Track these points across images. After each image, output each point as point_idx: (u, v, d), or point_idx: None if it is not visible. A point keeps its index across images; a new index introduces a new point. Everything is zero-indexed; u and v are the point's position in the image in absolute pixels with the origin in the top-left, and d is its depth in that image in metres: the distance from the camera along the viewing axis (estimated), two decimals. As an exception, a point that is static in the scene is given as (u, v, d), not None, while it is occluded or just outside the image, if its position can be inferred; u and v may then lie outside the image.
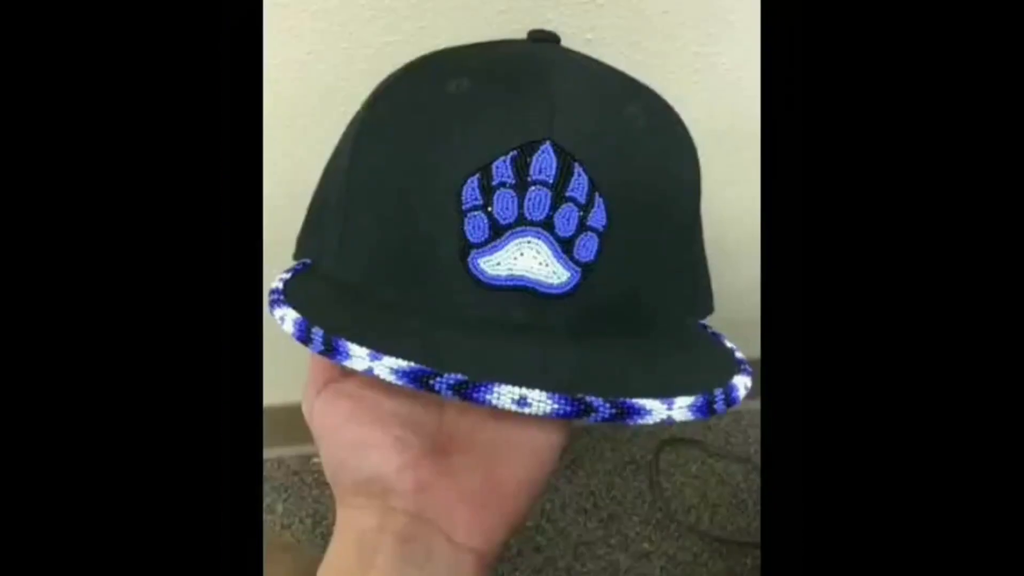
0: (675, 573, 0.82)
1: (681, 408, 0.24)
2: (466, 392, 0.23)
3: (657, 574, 0.82)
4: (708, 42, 0.51)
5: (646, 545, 0.84)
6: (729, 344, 0.31)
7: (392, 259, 0.28)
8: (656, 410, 0.24)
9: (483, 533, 0.27)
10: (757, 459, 0.89)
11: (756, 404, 0.94)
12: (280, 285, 0.29)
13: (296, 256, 0.33)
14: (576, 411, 0.23)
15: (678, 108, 0.31)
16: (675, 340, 0.30)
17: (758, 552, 0.83)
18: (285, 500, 0.86)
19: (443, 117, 0.28)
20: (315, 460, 0.90)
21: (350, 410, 0.28)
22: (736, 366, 0.29)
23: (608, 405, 0.23)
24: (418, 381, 0.23)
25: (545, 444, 0.28)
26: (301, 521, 0.85)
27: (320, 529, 0.85)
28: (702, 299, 0.33)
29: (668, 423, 0.24)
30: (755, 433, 0.92)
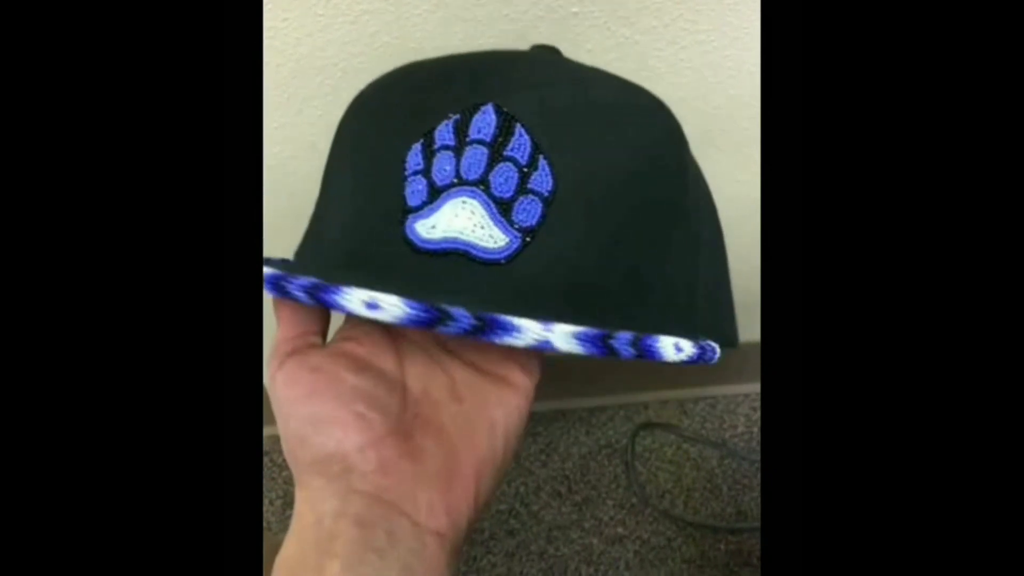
0: (649, 557, 0.82)
1: (563, 334, 0.23)
2: (317, 295, 0.23)
3: (631, 558, 0.82)
4: (697, 19, 0.50)
5: (620, 529, 0.84)
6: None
7: (347, 240, 0.28)
8: (529, 329, 0.22)
9: (447, 514, 0.26)
10: (732, 444, 0.89)
11: (733, 389, 0.93)
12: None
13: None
14: (431, 318, 0.22)
15: (663, 84, 0.30)
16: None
17: (732, 537, 0.83)
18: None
19: (402, 104, 0.28)
20: (286, 441, 0.88)
21: (312, 384, 0.27)
22: (692, 337, 0.27)
23: (469, 316, 0.22)
24: (274, 285, 0.23)
25: (510, 424, 0.28)
26: (271, 503, 0.84)
27: (290, 511, 0.83)
28: (693, 313, 0.31)
29: (545, 347, 0.23)
30: (731, 419, 0.92)
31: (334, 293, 0.22)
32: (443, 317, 0.22)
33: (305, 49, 0.48)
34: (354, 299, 0.22)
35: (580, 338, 0.23)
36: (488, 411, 0.28)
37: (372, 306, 0.22)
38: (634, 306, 0.28)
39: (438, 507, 0.26)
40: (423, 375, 0.29)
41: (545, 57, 0.32)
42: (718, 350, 0.27)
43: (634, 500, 0.85)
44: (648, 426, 0.90)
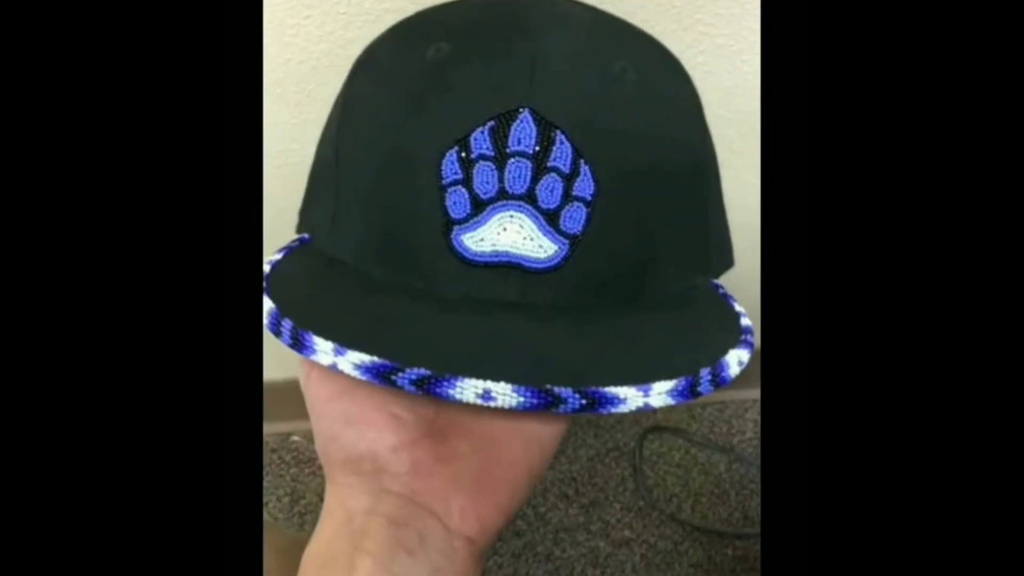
0: (655, 561, 0.82)
1: (660, 394, 0.23)
2: (429, 387, 0.22)
3: (637, 561, 0.82)
4: (715, 23, 0.50)
5: (627, 532, 0.84)
6: (737, 307, 0.30)
7: (379, 239, 0.27)
8: (631, 398, 0.23)
9: (478, 520, 0.26)
10: (740, 449, 0.89)
11: (741, 394, 0.93)
12: (268, 269, 0.28)
13: (298, 229, 0.32)
14: (544, 403, 0.22)
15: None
16: (671, 309, 0.28)
17: (738, 542, 0.83)
18: (263, 478, 0.85)
19: (421, 87, 0.27)
20: (294, 438, 0.88)
21: (346, 383, 0.26)
22: (738, 335, 0.28)
23: (577, 396, 0.22)
24: (381, 377, 0.22)
25: (545, 432, 0.27)
26: (279, 500, 0.84)
27: (298, 508, 0.83)
28: (717, 256, 0.31)
29: (647, 410, 0.23)
30: (739, 423, 0.92)
31: (448, 387, 0.22)
32: (555, 401, 0.22)
33: (326, 46, 0.48)
34: (468, 392, 0.22)
35: (674, 393, 0.24)
36: (527, 417, 0.27)
37: (487, 397, 0.22)
38: (675, 275, 0.29)
39: (470, 513, 0.26)
40: None
41: (545, 6, 0.30)
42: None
43: (641, 503, 0.85)
44: (656, 430, 0.90)
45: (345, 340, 0.23)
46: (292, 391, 0.61)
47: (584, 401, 0.23)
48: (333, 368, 0.23)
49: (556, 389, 0.22)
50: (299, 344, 0.24)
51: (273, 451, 0.88)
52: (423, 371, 0.22)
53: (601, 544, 0.83)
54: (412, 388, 0.22)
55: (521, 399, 0.22)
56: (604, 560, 0.82)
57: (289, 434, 0.89)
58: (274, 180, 0.56)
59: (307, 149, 0.57)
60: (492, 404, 0.22)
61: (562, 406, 0.22)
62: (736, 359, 0.26)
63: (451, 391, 0.22)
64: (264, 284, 0.27)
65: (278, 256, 0.30)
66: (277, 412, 0.85)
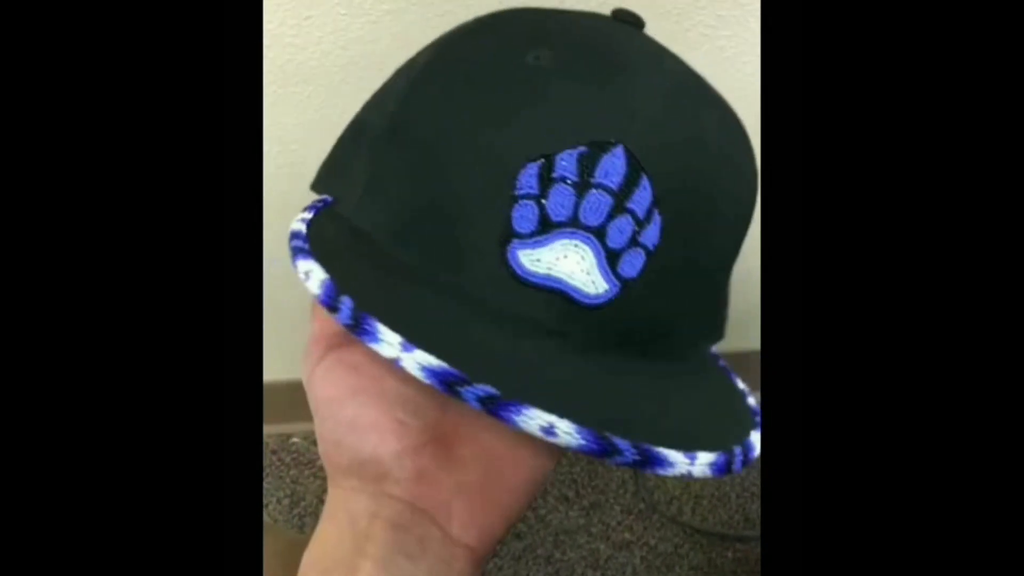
0: (655, 564, 0.82)
1: (702, 465, 0.24)
2: (494, 408, 0.22)
3: (637, 564, 0.82)
4: (718, 24, 0.50)
5: (627, 535, 0.83)
6: (740, 384, 0.31)
7: (421, 218, 0.26)
8: (679, 463, 0.23)
9: (479, 529, 0.25)
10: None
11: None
12: (303, 228, 0.27)
13: (316, 189, 0.30)
14: (602, 450, 0.22)
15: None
16: (695, 372, 0.29)
17: (739, 545, 0.83)
18: (263, 479, 0.85)
19: (517, 88, 0.26)
20: (294, 440, 0.88)
21: (352, 385, 0.26)
22: (751, 417, 0.28)
23: (634, 451, 0.22)
24: (446, 384, 0.22)
25: (551, 445, 0.27)
26: (279, 501, 0.84)
27: (297, 510, 0.83)
28: (720, 325, 0.31)
29: (687, 478, 0.24)
30: (740, 426, 0.91)
31: (514, 413, 0.22)
32: (612, 451, 0.22)
33: (327, 47, 0.48)
34: (533, 423, 0.22)
35: (714, 467, 0.24)
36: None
37: (550, 432, 0.22)
38: (691, 338, 0.30)
39: (471, 522, 0.25)
40: None
41: (638, 43, 0.29)
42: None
43: (642, 506, 0.85)
44: (657, 432, 0.90)
45: (413, 337, 0.22)
46: (292, 392, 0.61)
47: (639, 457, 0.22)
48: (396, 363, 0.22)
49: (615, 440, 0.22)
50: (359, 328, 0.23)
51: (273, 452, 0.87)
52: (491, 390, 0.22)
53: (601, 546, 0.83)
54: (477, 405, 0.22)
55: (583, 442, 0.22)
56: (604, 563, 0.82)
57: (289, 436, 0.89)
58: (274, 179, 0.56)
59: (307, 149, 0.57)
60: (552, 440, 0.22)
61: (617, 457, 0.22)
62: (757, 441, 0.26)
63: (516, 418, 0.22)
64: (302, 244, 0.26)
65: (308, 215, 0.28)
66: (277, 413, 0.85)
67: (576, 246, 0.25)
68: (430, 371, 0.22)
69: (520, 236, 0.25)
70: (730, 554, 0.83)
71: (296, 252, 0.26)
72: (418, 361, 0.22)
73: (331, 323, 0.27)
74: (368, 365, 0.26)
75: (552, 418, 0.22)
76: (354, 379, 0.26)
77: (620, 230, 0.25)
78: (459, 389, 0.22)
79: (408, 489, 0.25)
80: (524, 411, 0.21)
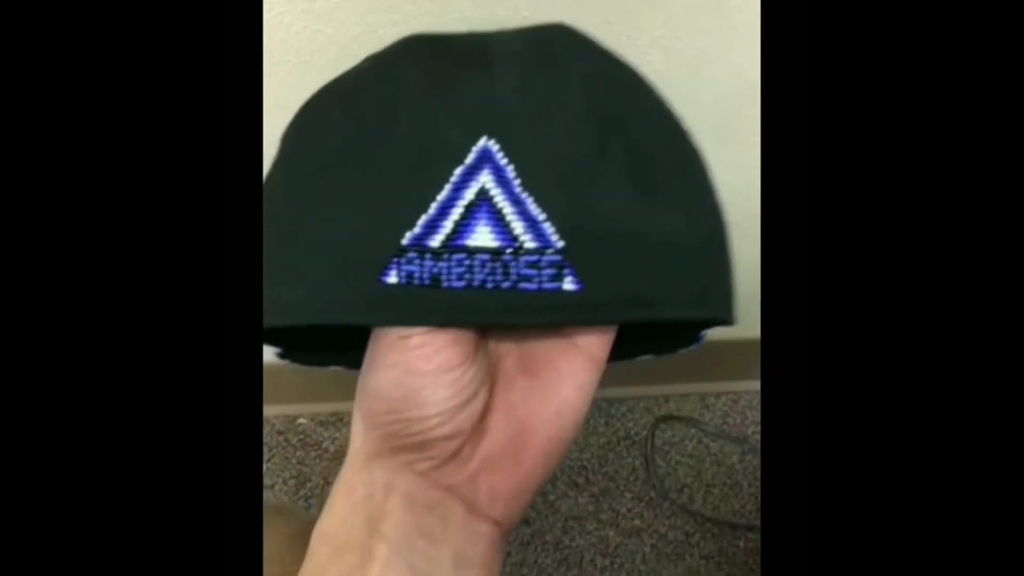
0: (666, 552, 0.81)
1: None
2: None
3: (647, 552, 0.81)
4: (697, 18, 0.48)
5: (637, 522, 0.82)
6: None
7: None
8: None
9: (506, 501, 0.25)
10: (753, 440, 0.87)
11: (755, 385, 0.91)
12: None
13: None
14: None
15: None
16: None
17: (751, 534, 0.82)
18: (269, 460, 0.84)
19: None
20: (300, 421, 0.87)
21: (449, 360, 0.24)
22: None
23: None
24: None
25: (576, 400, 0.27)
26: (285, 482, 0.83)
27: (304, 491, 0.82)
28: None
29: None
30: (753, 415, 0.90)
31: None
32: None
33: (328, 47, 0.47)
34: None
35: None
36: (561, 388, 0.26)
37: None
38: None
39: (499, 493, 0.25)
40: (497, 343, 0.28)
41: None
42: None
43: (652, 493, 0.84)
44: (668, 419, 0.89)
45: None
46: (298, 374, 0.59)
47: None
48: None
49: None
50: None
51: (279, 433, 0.86)
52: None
53: (611, 534, 0.81)
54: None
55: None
56: (614, 550, 0.80)
57: (296, 417, 0.88)
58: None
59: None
60: None
61: None
62: None
63: None
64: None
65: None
66: (284, 395, 0.84)
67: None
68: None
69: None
70: (742, 543, 0.81)
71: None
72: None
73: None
74: (464, 338, 0.25)
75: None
76: (451, 354, 0.25)
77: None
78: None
79: (436, 466, 0.25)
80: None
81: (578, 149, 0.25)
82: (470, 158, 0.24)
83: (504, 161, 0.24)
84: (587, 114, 0.26)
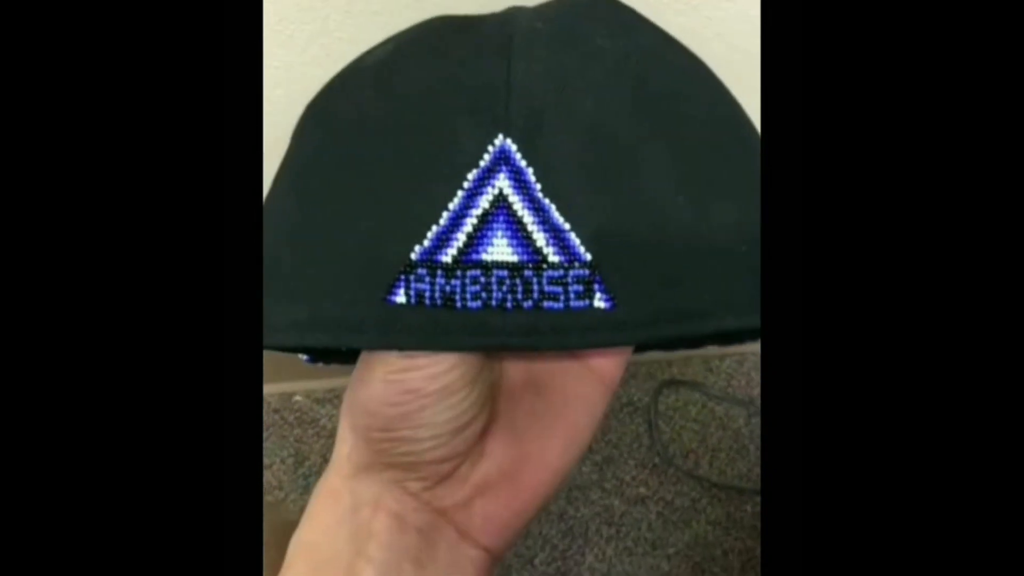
0: (672, 519, 0.80)
1: None
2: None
3: (653, 519, 0.80)
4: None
5: (642, 490, 0.81)
6: None
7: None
8: None
9: (499, 528, 0.24)
10: (760, 402, 0.86)
11: (759, 347, 0.90)
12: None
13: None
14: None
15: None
16: None
17: (759, 498, 0.80)
18: (267, 439, 0.83)
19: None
20: (297, 399, 0.86)
21: (454, 383, 0.23)
22: None
23: None
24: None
25: (584, 424, 0.25)
26: (283, 461, 0.82)
27: (302, 470, 0.81)
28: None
29: None
30: (758, 376, 0.88)
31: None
32: None
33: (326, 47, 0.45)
34: None
35: None
36: (568, 413, 0.25)
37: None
38: None
39: (493, 520, 0.24)
40: (503, 356, 0.26)
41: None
42: None
43: (657, 460, 0.83)
44: (672, 383, 0.87)
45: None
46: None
47: None
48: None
49: None
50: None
51: (276, 412, 0.85)
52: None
53: (616, 502, 0.80)
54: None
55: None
56: (619, 518, 0.79)
57: (292, 395, 0.86)
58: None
59: (290, 95, 0.53)
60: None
61: None
62: None
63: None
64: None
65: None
66: (280, 373, 0.83)
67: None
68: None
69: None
70: (749, 508, 0.80)
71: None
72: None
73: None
74: (470, 357, 0.23)
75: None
76: (455, 376, 0.23)
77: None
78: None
79: (428, 487, 0.24)
80: None
81: (609, 144, 0.22)
82: (485, 160, 0.21)
83: (523, 162, 0.21)
84: (621, 101, 0.22)
